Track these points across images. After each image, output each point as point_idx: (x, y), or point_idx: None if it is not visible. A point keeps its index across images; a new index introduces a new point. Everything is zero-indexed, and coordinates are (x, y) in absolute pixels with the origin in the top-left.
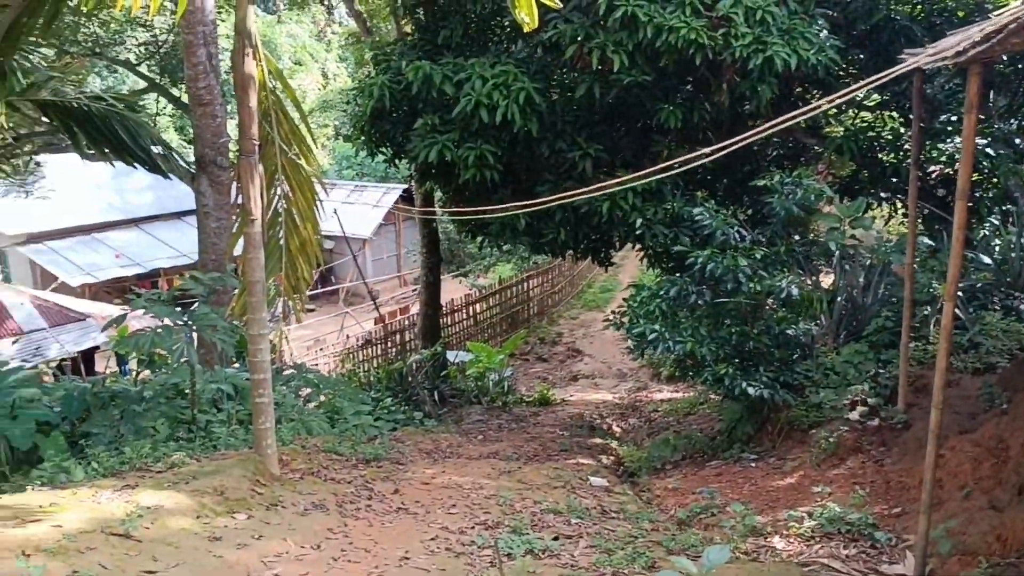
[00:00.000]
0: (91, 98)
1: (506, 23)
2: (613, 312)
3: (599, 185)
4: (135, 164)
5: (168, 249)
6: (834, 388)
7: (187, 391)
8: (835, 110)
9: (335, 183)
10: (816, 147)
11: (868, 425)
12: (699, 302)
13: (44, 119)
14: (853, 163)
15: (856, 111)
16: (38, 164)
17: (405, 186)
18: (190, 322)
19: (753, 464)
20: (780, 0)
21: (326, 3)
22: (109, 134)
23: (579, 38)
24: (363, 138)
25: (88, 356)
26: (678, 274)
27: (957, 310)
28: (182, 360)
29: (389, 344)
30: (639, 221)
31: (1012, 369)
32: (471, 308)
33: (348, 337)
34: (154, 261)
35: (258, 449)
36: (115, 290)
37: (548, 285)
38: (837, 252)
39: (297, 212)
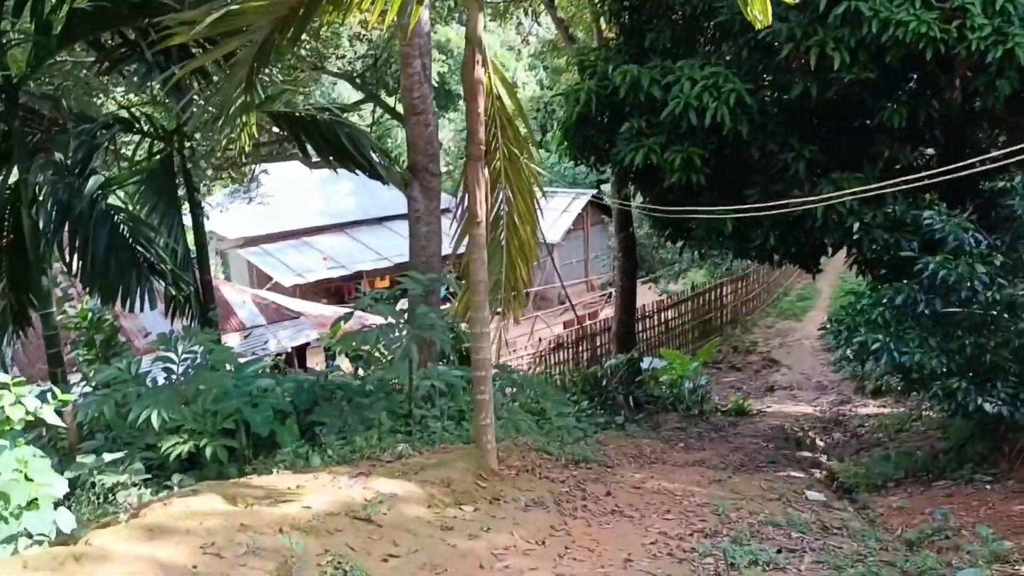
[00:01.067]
0: (318, 109)
1: (714, 24)
2: (830, 320)
3: (841, 193)
4: (357, 171)
5: (370, 252)
6: None
7: (404, 387)
8: None
9: None
10: None
11: None
12: (927, 311)
13: (275, 129)
14: None
15: None
16: (265, 172)
17: (594, 191)
18: (411, 321)
19: (988, 487)
20: None
21: (529, 12)
22: (334, 143)
23: (796, 36)
24: (566, 143)
25: (301, 351)
26: (904, 281)
27: None
28: (398, 357)
29: (580, 348)
30: (856, 225)
31: None
32: (662, 314)
33: (540, 340)
34: (358, 264)
35: (478, 444)
36: (322, 290)
37: (742, 292)
38: None
39: (517, 215)
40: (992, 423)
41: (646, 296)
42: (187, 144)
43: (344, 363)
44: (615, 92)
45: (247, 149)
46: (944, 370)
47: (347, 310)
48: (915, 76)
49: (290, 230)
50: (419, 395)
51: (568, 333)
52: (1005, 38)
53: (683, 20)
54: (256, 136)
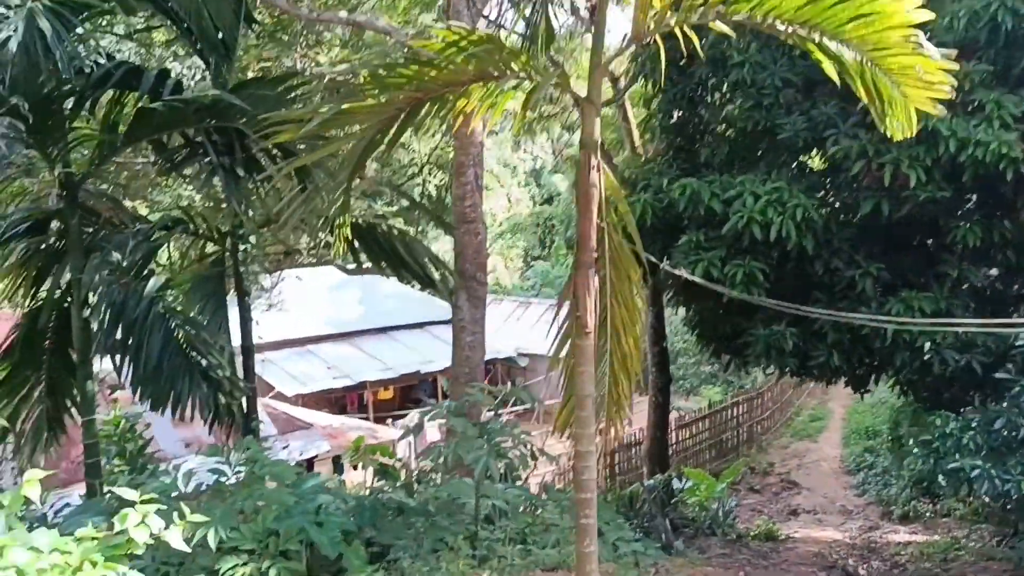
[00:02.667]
0: (376, 217)
1: (777, 140)
2: (923, 443)
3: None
4: (410, 280)
5: (375, 362)
6: None
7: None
8: None
9: (531, 301)
10: None
11: None
12: (1019, 435)
13: (321, 234)
14: None
15: None
16: (298, 278)
17: None
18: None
19: None
20: None
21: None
22: (389, 250)
23: (868, 154)
24: None
25: (309, 463)
26: (1003, 404)
27: None
28: (478, 473)
29: (611, 462)
30: (928, 345)
31: None
32: (679, 432)
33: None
34: (362, 374)
35: (579, 572)
36: (323, 400)
37: (757, 411)
38: None
39: (621, 325)
40: None
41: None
42: (241, 247)
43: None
44: (671, 205)
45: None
46: None
47: (358, 419)
48: (988, 196)
49: (295, 338)
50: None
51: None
52: None
53: (741, 136)
54: (305, 242)
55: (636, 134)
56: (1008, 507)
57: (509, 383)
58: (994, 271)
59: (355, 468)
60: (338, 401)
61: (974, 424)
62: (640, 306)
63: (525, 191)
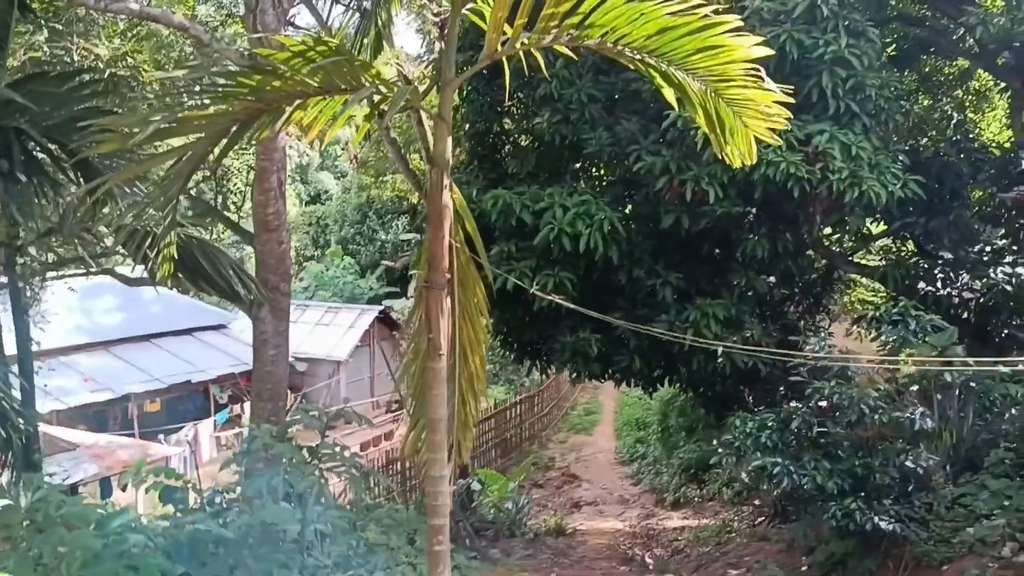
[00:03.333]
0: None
1: (584, 155)
2: (726, 443)
3: None
4: (210, 291)
5: (140, 373)
6: (960, 523)
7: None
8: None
9: (308, 304)
10: (854, 274)
11: (1015, 561)
12: (810, 433)
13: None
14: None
15: (902, 241)
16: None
17: (381, 307)
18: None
19: None
20: (865, 136)
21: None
22: (188, 260)
23: (671, 171)
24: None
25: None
26: (793, 403)
27: None
28: (314, 499)
29: (390, 472)
30: (720, 350)
31: None
32: None
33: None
34: (126, 386)
35: None
36: (81, 416)
37: (537, 408)
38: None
39: (469, 345)
40: (874, 540)
41: None
42: (20, 260)
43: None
44: (481, 216)
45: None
46: (838, 491)
47: (126, 437)
48: (774, 211)
49: (43, 349)
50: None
51: (377, 455)
52: (860, 181)
53: (549, 148)
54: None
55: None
56: (800, 499)
57: (288, 390)
58: (772, 278)
59: (123, 490)
60: (98, 416)
61: (770, 423)
62: (485, 324)
63: (291, 188)
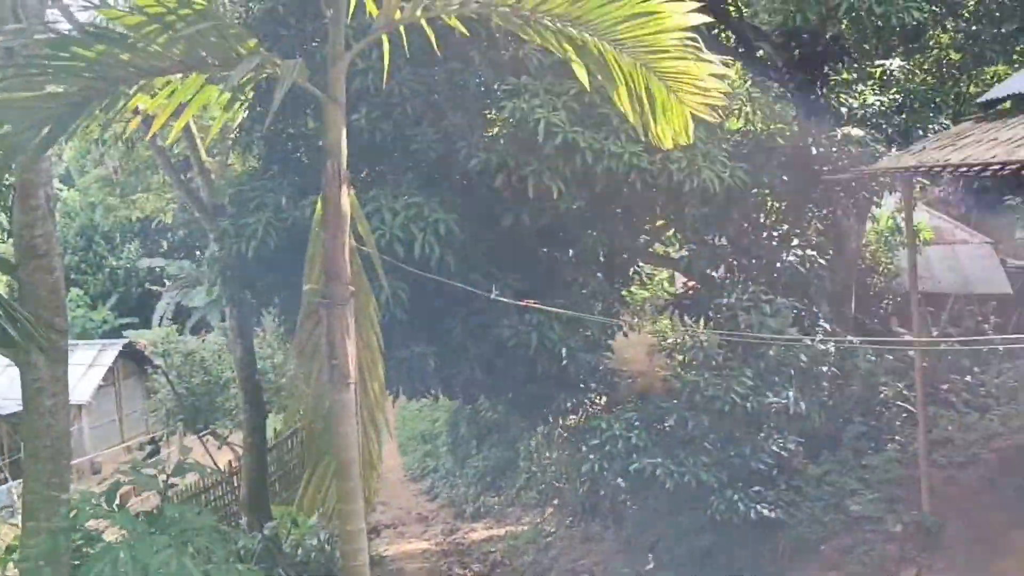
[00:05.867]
0: None
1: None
2: (595, 448)
3: None
4: None
5: None
6: (830, 500)
7: None
8: None
9: None
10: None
11: (894, 532)
12: (685, 429)
13: None
14: None
15: None
16: None
17: (126, 340)
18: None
19: None
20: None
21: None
22: None
23: (509, 165)
24: (224, 286)
25: None
26: (675, 401)
27: None
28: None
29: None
30: (564, 350)
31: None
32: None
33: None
34: None
35: None
36: None
37: None
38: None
39: (367, 369)
40: (751, 527)
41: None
42: None
43: None
44: (295, 226)
45: None
46: (718, 484)
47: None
48: (612, 205)
49: None
50: None
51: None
52: (698, 170)
53: (368, 148)
54: None
55: (200, 144)
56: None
57: (22, 442)
58: (600, 274)
59: None
60: None
61: (636, 423)
62: (378, 343)
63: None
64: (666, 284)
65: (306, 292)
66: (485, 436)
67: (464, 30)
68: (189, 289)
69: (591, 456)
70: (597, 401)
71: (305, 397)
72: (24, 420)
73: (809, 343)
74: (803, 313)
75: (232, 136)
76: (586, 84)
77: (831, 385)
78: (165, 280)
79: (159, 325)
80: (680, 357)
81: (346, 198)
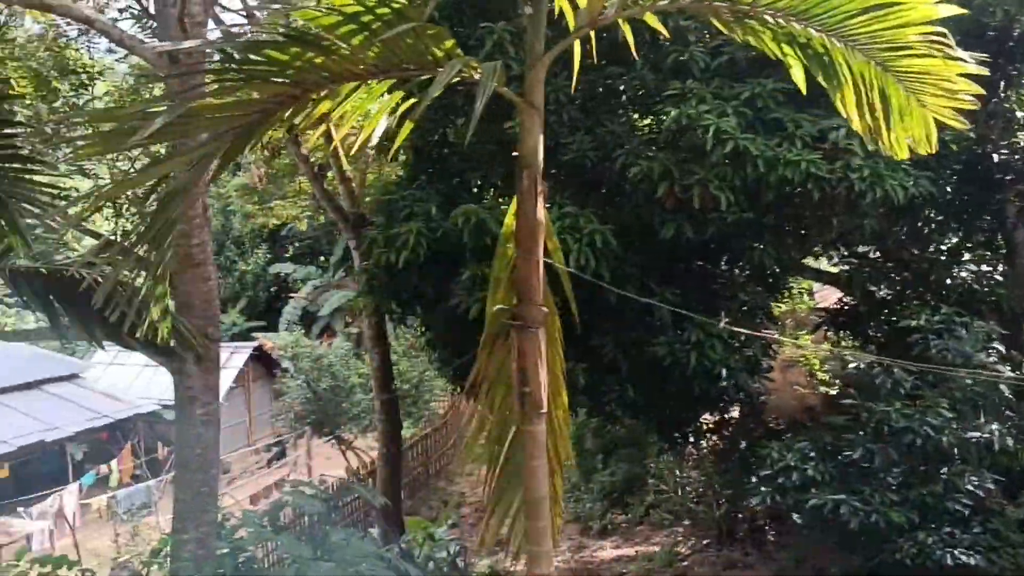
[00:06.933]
0: (82, 265)
1: (564, 162)
2: (765, 479)
3: None
4: (134, 345)
5: None
6: None
7: None
8: None
9: None
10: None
11: None
12: (871, 463)
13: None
14: None
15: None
16: None
17: (256, 343)
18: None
19: None
20: None
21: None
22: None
23: (673, 175)
24: (371, 295)
25: None
26: (861, 432)
27: None
28: None
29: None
30: (724, 371)
31: None
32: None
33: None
34: None
35: None
36: None
37: (443, 440)
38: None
39: (551, 397)
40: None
41: (338, 459)
42: None
43: None
44: (446, 236)
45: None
46: (908, 525)
47: None
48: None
49: None
50: None
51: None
52: (881, 179)
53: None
54: None
55: (341, 151)
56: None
57: (158, 441)
58: (760, 289)
59: None
60: None
61: (811, 454)
62: (562, 368)
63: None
64: (807, 299)
65: (493, 314)
66: (612, 451)
67: (663, 29)
68: (318, 295)
69: (762, 488)
70: (741, 422)
71: (491, 428)
72: (176, 428)
73: (1014, 374)
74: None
75: (374, 145)
76: (803, 86)
77: None
78: (290, 284)
79: (285, 329)
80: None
81: (542, 212)
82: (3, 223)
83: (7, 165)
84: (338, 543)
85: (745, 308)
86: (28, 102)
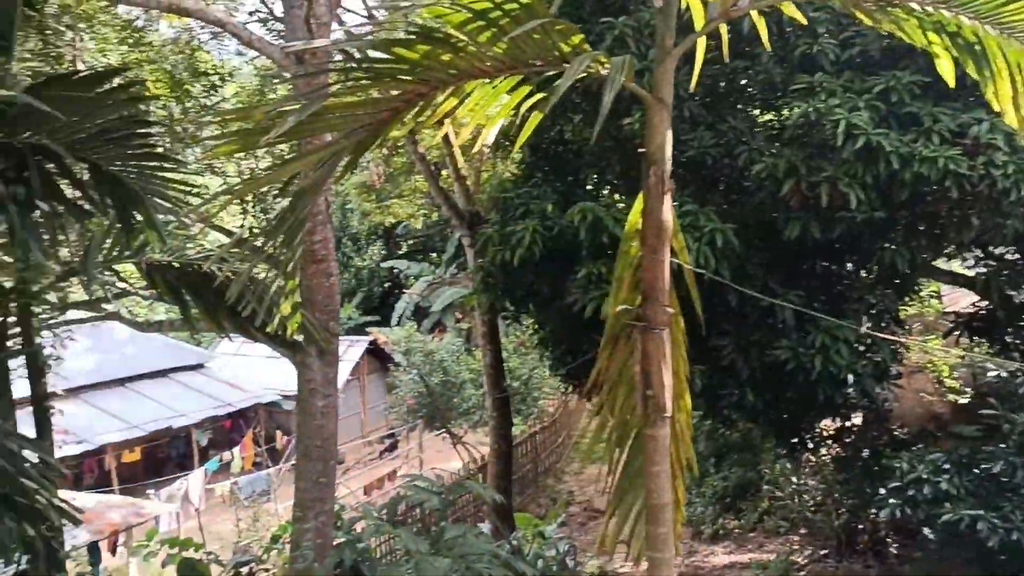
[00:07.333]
0: (213, 260)
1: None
2: (893, 491)
3: None
4: (259, 337)
5: (114, 421)
6: None
7: None
8: None
9: None
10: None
11: None
12: (1013, 476)
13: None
14: None
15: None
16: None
17: (371, 338)
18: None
19: None
20: None
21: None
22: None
23: (799, 172)
24: (486, 293)
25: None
26: (1002, 445)
27: None
28: None
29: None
30: (850, 377)
31: None
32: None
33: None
34: (100, 436)
35: None
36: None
37: (552, 438)
38: None
39: (673, 400)
40: None
41: (443, 450)
42: (34, 308)
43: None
44: (561, 234)
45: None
46: None
47: (110, 495)
48: (916, 216)
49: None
50: None
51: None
52: None
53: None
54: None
55: (457, 149)
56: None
57: (277, 430)
58: (889, 292)
59: (112, 554)
60: (72, 471)
61: (945, 466)
62: (686, 371)
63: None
64: (935, 302)
65: (614, 315)
66: (725, 455)
67: (802, 18)
68: (431, 291)
69: (890, 500)
70: (864, 430)
71: (610, 430)
72: (298, 419)
73: None
74: None
75: (491, 143)
76: (951, 79)
77: None
78: (403, 280)
79: (398, 324)
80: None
81: (669, 211)
82: (140, 218)
83: (143, 163)
84: (454, 538)
85: (873, 311)
86: (162, 103)
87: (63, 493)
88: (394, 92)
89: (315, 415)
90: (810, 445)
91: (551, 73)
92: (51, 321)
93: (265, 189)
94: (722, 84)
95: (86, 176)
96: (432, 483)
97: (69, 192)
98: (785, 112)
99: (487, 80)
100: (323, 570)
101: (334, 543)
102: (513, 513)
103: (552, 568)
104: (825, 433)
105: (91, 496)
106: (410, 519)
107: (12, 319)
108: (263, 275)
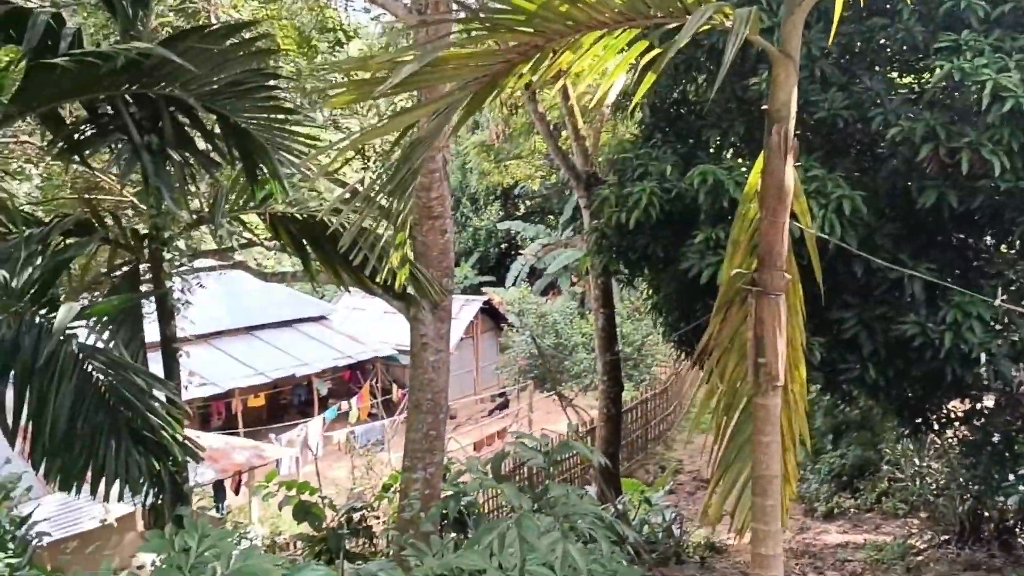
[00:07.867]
0: (330, 211)
1: (814, 120)
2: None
3: None
4: (375, 290)
5: (242, 367)
6: None
7: None
8: None
9: None
10: None
11: None
12: None
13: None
14: None
15: None
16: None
17: (485, 297)
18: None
19: None
20: None
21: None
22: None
23: (939, 137)
24: (599, 255)
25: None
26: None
27: None
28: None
29: (518, 478)
30: (983, 357)
31: None
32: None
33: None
34: (229, 380)
35: None
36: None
37: (662, 406)
38: None
39: (787, 369)
40: None
41: (552, 410)
42: (165, 253)
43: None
44: (679, 197)
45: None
46: None
47: (236, 437)
48: None
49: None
50: None
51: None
52: None
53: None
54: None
55: (577, 109)
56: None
57: (393, 383)
58: None
59: (236, 493)
60: (200, 412)
61: None
62: (802, 340)
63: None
64: None
65: (730, 278)
66: (843, 432)
67: None
68: (546, 253)
69: (1020, 487)
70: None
71: (719, 398)
72: (410, 373)
73: None
74: None
75: (611, 103)
76: None
77: None
78: (519, 241)
79: (513, 285)
80: None
81: (791, 172)
82: (266, 170)
83: (271, 115)
84: (557, 498)
85: (1012, 288)
86: (291, 59)
87: (190, 432)
88: (510, 43)
89: (426, 369)
90: (935, 426)
91: (672, 26)
92: (181, 267)
93: (389, 147)
94: (858, 43)
95: (216, 128)
96: (539, 442)
97: (200, 143)
98: (926, 75)
99: (604, 34)
100: (428, 519)
101: (441, 495)
102: (620, 478)
103: (657, 535)
104: (953, 414)
105: (218, 437)
106: (517, 477)
107: (144, 265)
108: (378, 228)
